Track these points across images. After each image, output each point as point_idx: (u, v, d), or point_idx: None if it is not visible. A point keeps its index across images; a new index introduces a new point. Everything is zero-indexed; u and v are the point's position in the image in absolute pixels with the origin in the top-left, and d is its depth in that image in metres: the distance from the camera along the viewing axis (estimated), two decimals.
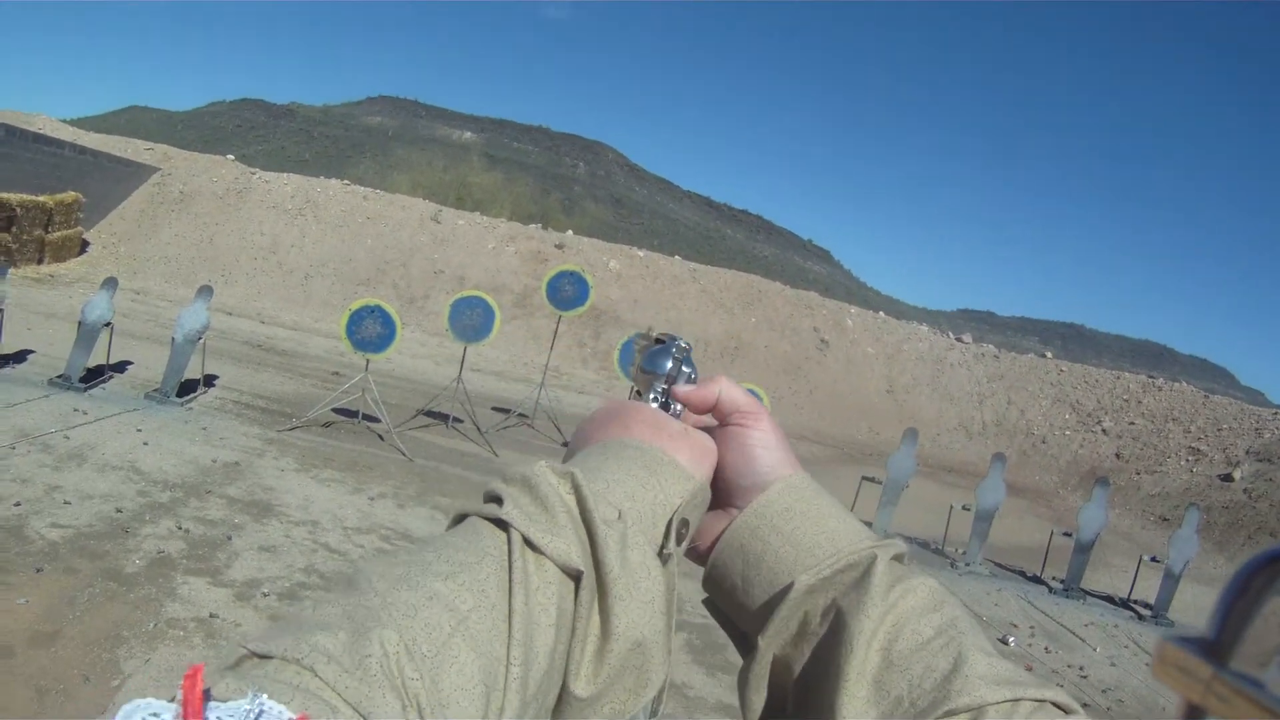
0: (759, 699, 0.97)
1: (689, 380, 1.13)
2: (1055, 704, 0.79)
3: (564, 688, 0.80)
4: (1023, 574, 14.81)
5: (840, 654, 0.88)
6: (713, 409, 1.09)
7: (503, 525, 0.80)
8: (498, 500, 0.83)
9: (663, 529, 0.92)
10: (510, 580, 0.76)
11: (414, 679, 0.65)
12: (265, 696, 0.54)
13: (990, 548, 14.66)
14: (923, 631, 0.87)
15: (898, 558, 0.97)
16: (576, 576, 0.81)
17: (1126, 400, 29.80)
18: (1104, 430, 28.65)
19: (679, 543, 0.93)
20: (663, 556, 0.90)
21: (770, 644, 0.96)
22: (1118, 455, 27.27)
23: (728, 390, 1.08)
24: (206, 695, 0.53)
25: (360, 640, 0.64)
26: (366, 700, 0.60)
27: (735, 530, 1.02)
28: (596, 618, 0.82)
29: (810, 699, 0.92)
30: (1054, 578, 14.43)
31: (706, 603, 1.09)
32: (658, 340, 1.19)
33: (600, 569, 0.82)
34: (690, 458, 1.00)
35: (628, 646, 0.82)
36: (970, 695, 0.79)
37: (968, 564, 14.13)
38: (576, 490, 0.84)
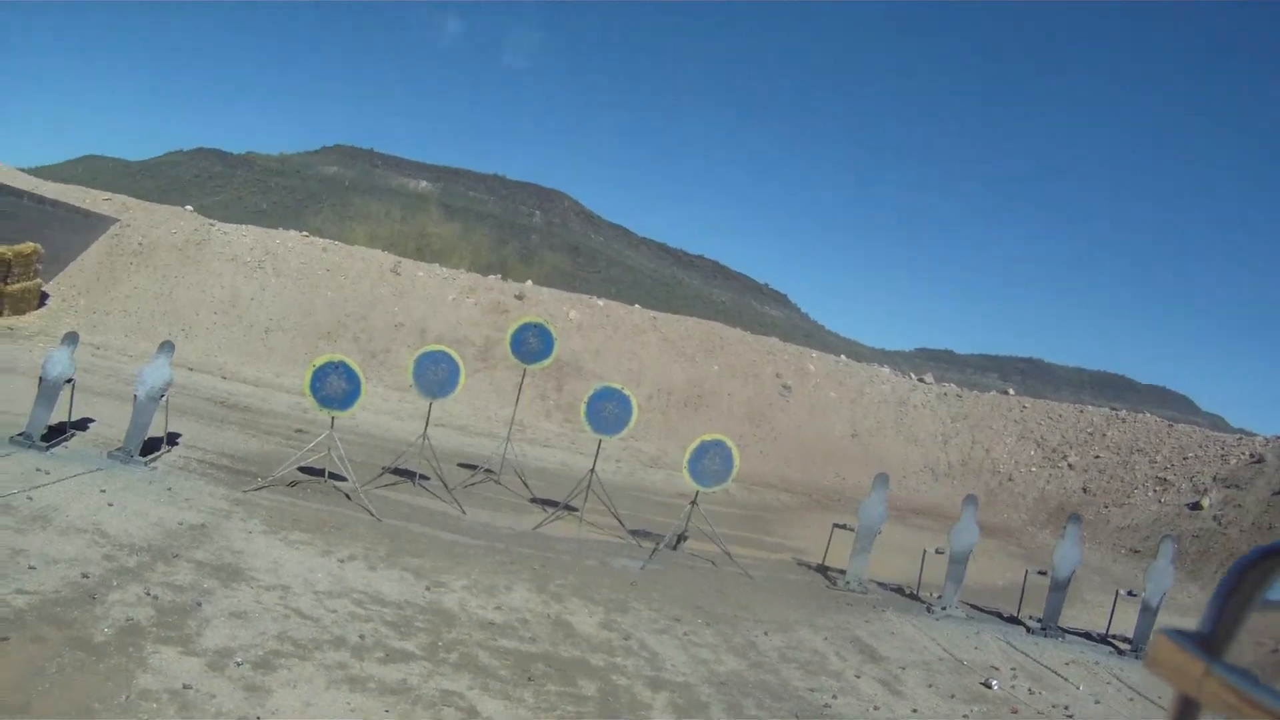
0: None
1: None
2: None
3: None
4: (999, 615, 14.74)
5: None
6: None
7: None
8: None
9: None
10: None
11: None
12: None
13: (965, 589, 14.57)
14: None
15: None
16: None
17: (1091, 434, 29.83)
18: (1070, 465, 28.63)
19: None
20: None
21: None
22: (1084, 489, 27.24)
23: None
24: None
25: None
26: None
27: None
28: None
29: None
30: (1031, 617, 14.35)
31: None
32: None
33: None
34: None
35: None
36: None
37: (944, 608, 14.05)
38: None
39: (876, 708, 9.28)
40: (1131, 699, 11.39)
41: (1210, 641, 0.64)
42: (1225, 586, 0.66)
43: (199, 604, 8.37)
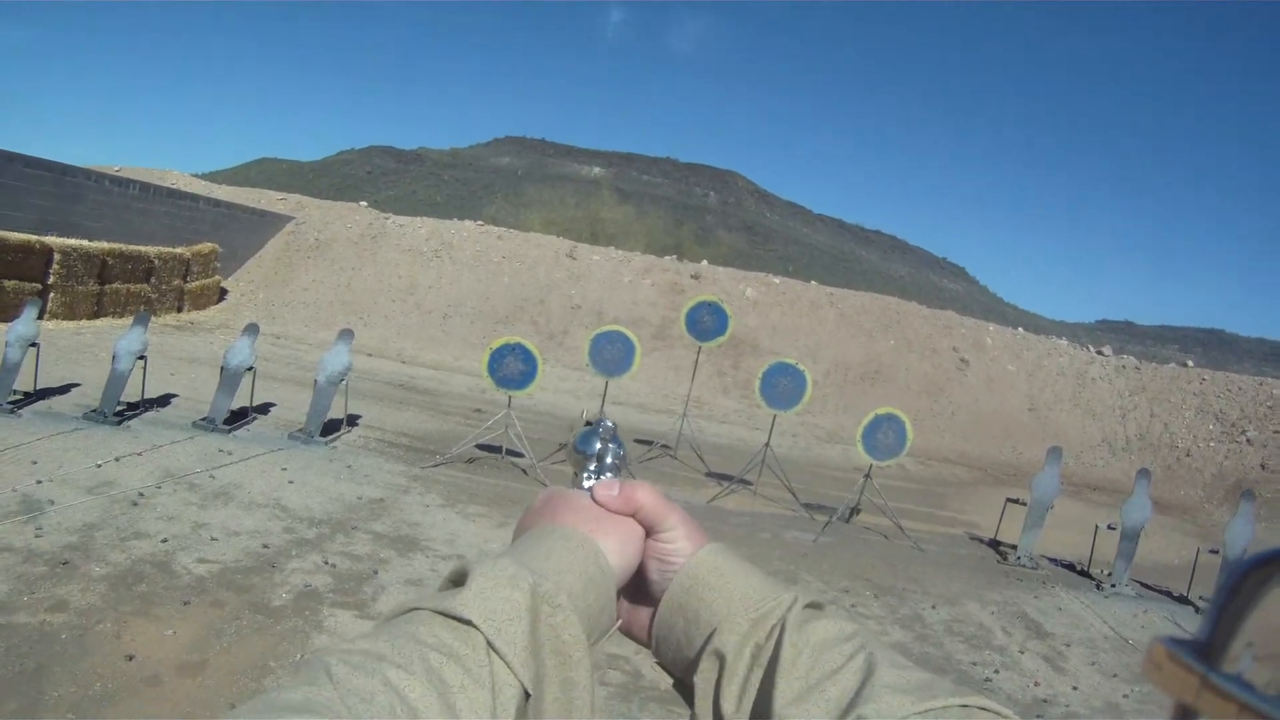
0: None
1: (617, 457, 1.29)
2: (982, 708, 0.87)
3: None
4: (1169, 594, 14.10)
5: (766, 686, 1.00)
6: (634, 515, 1.16)
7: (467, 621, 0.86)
8: (462, 578, 0.93)
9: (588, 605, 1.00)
10: (466, 682, 0.82)
11: None
12: None
13: (1136, 567, 14.02)
14: (835, 659, 0.98)
15: (814, 604, 1.09)
16: (526, 694, 0.87)
17: (1271, 407, 28.52)
18: (1248, 440, 27.46)
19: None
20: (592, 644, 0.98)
21: (706, 681, 1.07)
22: (1263, 466, 26.11)
23: (644, 501, 1.16)
24: None
25: None
26: None
27: (673, 591, 1.13)
28: None
29: None
30: (1201, 597, 13.70)
31: (659, 664, 1.19)
32: (588, 423, 1.36)
33: (542, 690, 0.89)
34: (617, 543, 1.11)
35: None
36: (877, 701, 0.88)
37: (1113, 585, 13.53)
38: (534, 599, 0.91)
39: (1037, 683, 9.03)
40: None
41: (1208, 649, 0.61)
42: (1223, 593, 0.63)
43: (375, 572, 8.49)
